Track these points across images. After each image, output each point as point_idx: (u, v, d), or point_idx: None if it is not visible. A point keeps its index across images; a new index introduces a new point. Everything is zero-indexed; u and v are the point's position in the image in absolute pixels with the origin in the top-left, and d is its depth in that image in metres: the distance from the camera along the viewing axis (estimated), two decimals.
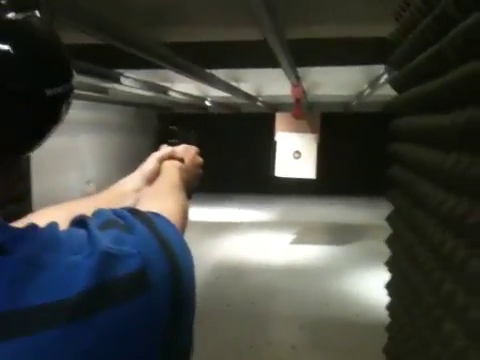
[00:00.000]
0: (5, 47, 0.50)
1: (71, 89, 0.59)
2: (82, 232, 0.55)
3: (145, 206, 0.74)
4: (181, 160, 1.04)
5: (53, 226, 0.56)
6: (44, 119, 0.56)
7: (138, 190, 0.96)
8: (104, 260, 0.51)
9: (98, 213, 0.62)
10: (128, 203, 0.89)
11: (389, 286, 2.09)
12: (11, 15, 0.52)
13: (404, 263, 1.62)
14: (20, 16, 0.52)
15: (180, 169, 1.00)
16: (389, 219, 2.18)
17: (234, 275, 6.05)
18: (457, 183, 1.05)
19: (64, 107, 0.59)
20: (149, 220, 0.60)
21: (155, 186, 0.94)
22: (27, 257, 0.49)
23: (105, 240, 0.53)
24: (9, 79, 0.50)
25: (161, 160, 1.02)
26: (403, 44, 1.76)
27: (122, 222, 0.59)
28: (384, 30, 3.51)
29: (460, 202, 1.03)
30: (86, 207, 0.76)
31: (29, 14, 0.54)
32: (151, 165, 1.01)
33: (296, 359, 3.93)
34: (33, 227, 0.54)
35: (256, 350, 4.06)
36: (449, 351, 0.96)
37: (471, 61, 1.01)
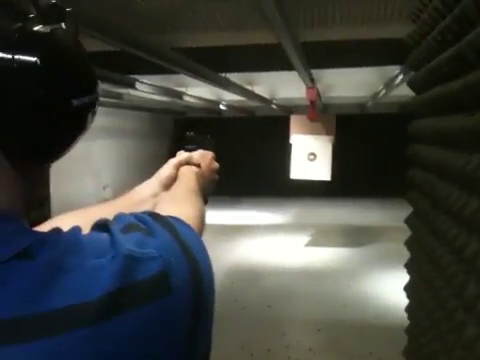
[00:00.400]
0: (33, 59, 0.52)
1: (96, 99, 0.61)
2: (105, 236, 0.56)
3: (163, 211, 0.76)
4: (198, 165, 1.05)
5: (76, 230, 0.57)
6: (71, 128, 0.58)
7: (155, 195, 0.97)
8: (127, 263, 0.52)
9: (119, 217, 0.62)
10: (146, 208, 0.89)
11: (408, 288, 2.07)
12: (38, 27, 0.54)
13: (425, 266, 1.61)
14: (47, 28, 0.54)
15: (197, 174, 1.01)
16: (408, 221, 2.17)
17: (249, 278, 6.05)
18: None
19: (90, 116, 0.61)
20: (170, 224, 0.61)
21: (172, 191, 0.95)
22: (51, 261, 0.50)
23: (128, 243, 0.54)
24: (37, 90, 0.52)
25: (178, 166, 1.03)
26: (421, 45, 1.75)
27: (143, 226, 0.59)
28: (398, 31, 3.49)
29: None
30: (104, 213, 0.78)
31: (56, 27, 0.56)
32: (168, 171, 1.02)
33: None
34: (57, 231, 0.55)
35: (273, 353, 4.05)
36: (472, 355, 0.95)
37: None
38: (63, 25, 0.57)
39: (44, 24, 0.54)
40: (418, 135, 1.97)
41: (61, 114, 0.55)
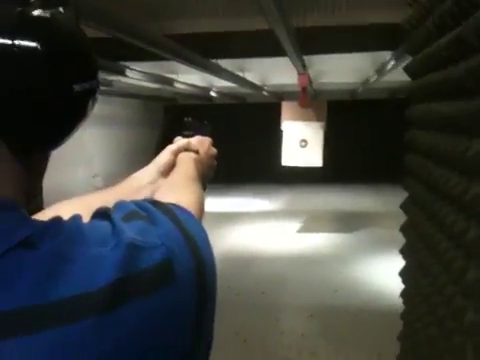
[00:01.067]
0: (33, 44, 0.51)
1: (97, 85, 0.60)
2: (106, 224, 0.56)
3: (162, 198, 0.75)
4: (196, 152, 1.05)
5: (77, 218, 0.56)
6: (72, 114, 0.57)
7: (153, 182, 0.96)
8: (129, 252, 0.51)
9: (120, 205, 0.62)
10: (144, 196, 0.89)
11: (403, 274, 2.08)
12: (38, 12, 0.52)
13: (422, 251, 1.61)
14: (47, 13, 0.53)
15: (195, 161, 1.01)
16: (403, 206, 2.17)
17: (243, 265, 6.08)
18: None
19: (91, 103, 0.59)
20: (171, 212, 0.61)
21: (171, 178, 0.94)
22: (54, 250, 0.49)
23: (130, 232, 0.53)
24: (38, 75, 0.51)
25: (176, 152, 1.02)
26: (419, 30, 1.73)
27: (145, 214, 0.58)
28: (390, 17, 3.49)
29: None
30: (102, 200, 0.76)
31: (56, 11, 0.55)
32: (166, 157, 1.01)
33: (306, 347, 3.96)
34: (58, 220, 0.54)
35: (267, 340, 4.09)
36: (473, 340, 0.96)
37: None
38: (63, 10, 0.56)
39: (44, 9, 0.53)
40: (415, 120, 1.97)
41: (62, 100, 0.54)
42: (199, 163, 1.01)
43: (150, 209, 0.60)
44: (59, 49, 0.53)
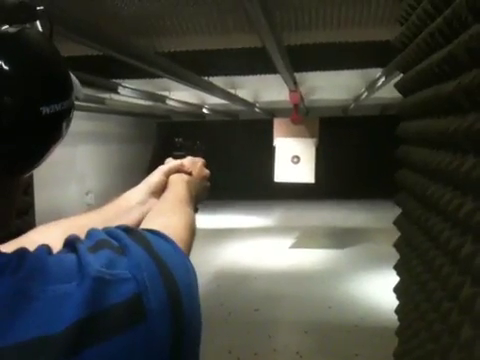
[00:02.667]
0: None
1: (71, 105, 0.56)
2: (72, 257, 0.51)
3: (151, 222, 0.73)
4: (189, 173, 1.02)
5: (42, 251, 0.51)
6: (42, 138, 0.53)
7: (143, 203, 0.93)
8: (95, 287, 0.47)
9: (91, 233, 0.58)
10: (133, 216, 0.88)
11: (398, 290, 2.07)
12: (4, 28, 0.49)
13: (417, 267, 1.61)
14: (14, 29, 0.50)
15: (188, 183, 0.97)
16: (397, 223, 2.18)
17: (236, 282, 6.03)
18: (476, 186, 1.04)
19: (64, 125, 0.56)
20: (145, 240, 0.56)
21: (162, 201, 0.91)
22: (14, 287, 0.46)
23: (96, 263, 0.49)
24: (1, 97, 0.47)
25: (168, 173, 0.99)
26: (410, 47, 1.76)
27: (115, 243, 0.54)
28: (380, 34, 3.54)
29: (479, 206, 1.02)
30: (90, 222, 0.74)
31: (25, 26, 0.51)
32: (157, 178, 0.98)
33: None
34: (21, 253, 0.50)
35: (260, 357, 4.04)
36: (470, 357, 0.95)
37: None
38: (33, 26, 0.53)
39: (10, 24, 0.49)
40: (408, 136, 1.98)
41: (30, 123, 0.50)
42: (191, 185, 0.98)
43: (122, 237, 0.56)
44: (24, 68, 0.50)
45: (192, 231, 0.77)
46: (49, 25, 0.57)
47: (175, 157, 1.06)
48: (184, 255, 0.61)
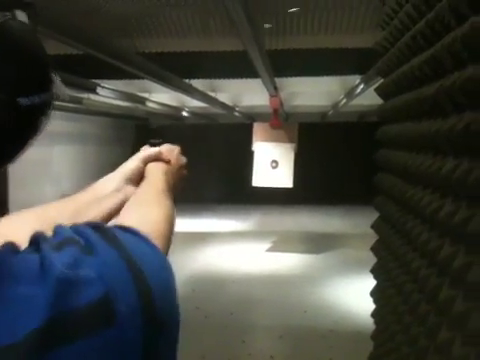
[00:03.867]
0: None
1: (51, 99, 0.55)
2: (35, 257, 0.47)
3: (129, 214, 0.71)
4: (167, 162, 0.98)
5: (5, 250, 0.48)
6: (19, 131, 0.51)
7: (119, 190, 0.89)
8: (58, 289, 0.44)
9: (57, 230, 0.54)
10: (108, 204, 0.85)
11: (375, 293, 2.09)
12: None
13: (394, 270, 1.63)
14: None
15: (166, 172, 0.94)
16: (375, 226, 2.20)
17: (212, 286, 6.01)
18: (456, 188, 1.06)
19: (43, 119, 0.54)
20: (114, 237, 0.53)
21: (140, 192, 0.87)
22: None
23: (60, 263, 0.46)
24: None
25: (146, 161, 0.96)
26: (391, 51, 1.78)
27: (82, 241, 0.51)
28: (360, 41, 3.58)
29: (459, 208, 1.04)
30: (65, 210, 0.72)
31: (6, 14, 0.49)
32: (134, 164, 0.94)
33: None
34: None
35: None
36: (447, 359, 0.96)
37: (469, 66, 1.02)
38: (17, 15, 0.51)
39: None
40: (388, 140, 2.01)
41: (6, 115, 0.48)
42: (169, 174, 0.95)
43: (89, 235, 0.52)
44: (2, 58, 0.47)
45: (171, 223, 0.74)
46: (34, 15, 0.55)
47: (152, 145, 1.03)
48: (159, 252, 0.57)
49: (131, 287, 0.48)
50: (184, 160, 1.04)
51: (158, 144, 1.01)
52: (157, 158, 0.97)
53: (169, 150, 1.01)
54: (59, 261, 0.46)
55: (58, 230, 0.54)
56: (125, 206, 0.80)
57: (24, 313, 0.42)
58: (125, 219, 0.64)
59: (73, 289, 0.45)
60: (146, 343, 0.48)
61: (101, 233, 0.53)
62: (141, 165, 0.94)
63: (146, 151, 0.98)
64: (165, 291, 0.53)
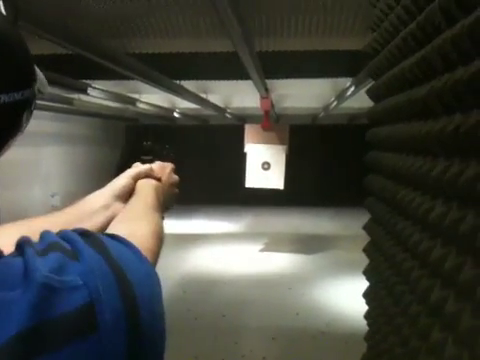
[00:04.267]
0: None
1: (33, 96, 0.54)
2: (18, 261, 0.47)
3: (116, 228, 0.70)
4: (158, 179, 0.97)
5: None
6: (0, 129, 0.50)
7: (107, 207, 0.88)
8: (42, 295, 0.43)
9: (43, 236, 0.53)
10: (97, 221, 0.84)
11: (367, 295, 2.09)
12: None
13: (386, 272, 1.63)
14: None
15: (156, 189, 0.93)
16: (366, 227, 2.20)
17: (203, 288, 6.00)
18: (447, 190, 1.06)
19: (25, 116, 0.53)
20: (101, 244, 0.52)
21: (128, 207, 0.86)
22: None
23: (43, 268, 0.45)
24: None
25: (136, 177, 0.94)
26: (382, 53, 1.79)
27: (68, 246, 0.50)
28: (351, 44, 3.60)
29: (450, 209, 1.05)
30: (50, 224, 0.69)
31: None
32: (124, 181, 0.93)
33: None
34: None
35: None
36: (439, 359, 0.96)
37: (459, 68, 1.03)
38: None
39: None
40: (378, 142, 2.01)
41: None
42: (160, 191, 0.94)
43: (76, 241, 0.51)
44: None
45: (159, 239, 0.73)
46: (14, 9, 0.54)
47: (143, 161, 1.00)
48: (146, 261, 0.56)
49: (116, 296, 0.47)
50: (176, 178, 1.04)
51: (149, 161, 1.00)
52: (148, 175, 0.96)
53: (161, 167, 1.01)
54: (43, 266, 0.45)
55: (44, 235, 0.53)
56: (113, 221, 0.78)
57: (5, 318, 0.41)
58: (113, 233, 0.62)
59: (56, 295, 0.44)
60: (130, 351, 0.47)
61: (88, 239, 0.52)
62: (131, 182, 0.93)
63: (137, 168, 0.97)
64: (150, 299, 0.52)
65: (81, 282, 0.46)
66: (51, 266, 0.46)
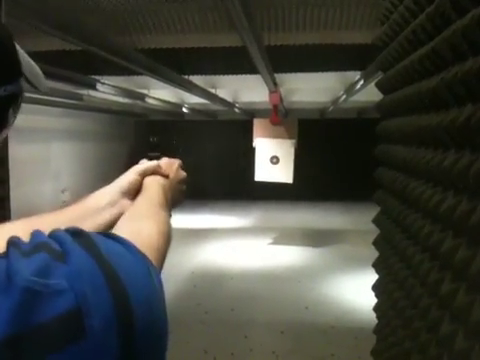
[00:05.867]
0: None
1: (19, 91, 0.52)
2: (1, 264, 0.43)
3: (122, 227, 0.69)
4: (166, 176, 0.95)
5: None
6: None
7: (113, 204, 0.86)
8: (24, 300, 0.40)
9: (33, 235, 0.50)
10: (103, 218, 0.83)
11: (376, 288, 2.09)
12: None
13: (396, 264, 1.63)
14: None
15: (164, 186, 0.91)
16: (376, 221, 2.20)
17: (213, 282, 6.02)
18: (457, 182, 1.06)
19: (11, 111, 0.51)
20: (93, 243, 0.49)
21: (135, 205, 0.84)
22: None
23: (27, 271, 0.42)
24: None
25: (143, 174, 0.92)
26: (391, 45, 1.78)
27: (56, 247, 0.47)
28: (360, 37, 3.58)
29: (460, 201, 1.04)
30: (55, 222, 0.68)
31: None
32: (131, 178, 0.91)
33: None
34: None
35: (237, 357, 4.04)
36: (449, 352, 0.96)
37: (469, 59, 1.02)
38: None
39: None
40: (388, 135, 2.00)
41: None
42: (167, 188, 0.91)
43: (65, 241, 0.48)
44: None
45: (167, 238, 0.71)
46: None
47: (150, 158, 0.98)
48: (144, 260, 0.53)
49: (107, 299, 0.44)
50: (184, 175, 1.01)
51: (157, 157, 0.99)
52: (155, 172, 0.94)
53: (168, 164, 0.99)
54: (26, 269, 0.42)
55: (34, 235, 0.50)
56: (119, 220, 0.77)
57: None
58: (118, 233, 0.60)
59: (40, 300, 0.41)
60: (124, 354, 0.44)
61: (79, 239, 0.49)
62: (138, 178, 0.91)
63: (144, 164, 0.95)
64: (147, 303, 0.49)
65: (67, 285, 0.43)
66: (35, 268, 0.43)
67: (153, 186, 0.89)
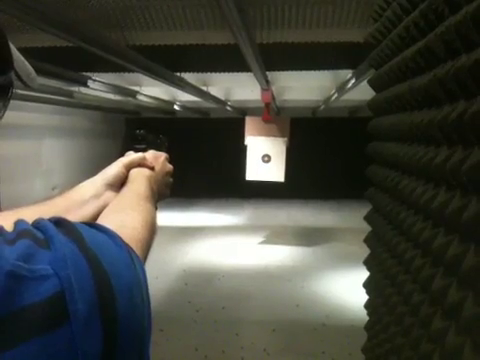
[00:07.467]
0: None
1: (8, 84, 0.51)
2: None
3: (107, 218, 0.69)
4: (151, 168, 0.95)
5: None
6: None
7: (98, 196, 0.86)
8: (8, 284, 0.41)
9: (16, 224, 0.50)
10: (87, 210, 0.83)
11: (368, 285, 2.10)
12: None
13: (387, 261, 1.64)
14: None
15: (149, 178, 0.91)
16: (368, 218, 2.21)
17: (204, 280, 6.01)
18: (449, 178, 1.06)
19: (0, 104, 0.51)
20: (76, 231, 0.49)
21: (120, 197, 0.84)
22: None
23: (11, 256, 0.42)
24: None
25: (128, 166, 0.92)
26: (384, 42, 1.79)
27: (39, 234, 0.47)
28: (351, 35, 3.59)
29: (452, 197, 1.05)
30: (39, 213, 0.65)
31: None
32: (115, 170, 0.90)
33: None
34: None
35: (228, 355, 4.04)
36: (441, 348, 0.97)
37: (462, 55, 1.03)
38: None
39: None
40: (380, 132, 2.01)
41: None
42: (153, 180, 0.91)
43: (48, 229, 0.48)
44: None
45: (152, 230, 0.71)
46: None
47: (136, 150, 0.98)
48: (127, 250, 0.53)
49: (90, 285, 0.45)
50: (170, 167, 1.01)
51: (142, 150, 0.98)
52: (141, 164, 0.94)
53: (154, 156, 0.99)
54: (10, 254, 0.43)
55: (17, 224, 0.51)
56: (104, 211, 0.77)
57: None
58: (103, 223, 0.60)
59: (24, 284, 0.41)
60: (105, 345, 0.45)
61: (62, 227, 0.50)
62: (123, 171, 0.91)
63: (129, 156, 0.95)
64: (130, 290, 0.49)
65: (51, 271, 0.43)
66: (19, 254, 0.43)
67: (138, 178, 0.89)
